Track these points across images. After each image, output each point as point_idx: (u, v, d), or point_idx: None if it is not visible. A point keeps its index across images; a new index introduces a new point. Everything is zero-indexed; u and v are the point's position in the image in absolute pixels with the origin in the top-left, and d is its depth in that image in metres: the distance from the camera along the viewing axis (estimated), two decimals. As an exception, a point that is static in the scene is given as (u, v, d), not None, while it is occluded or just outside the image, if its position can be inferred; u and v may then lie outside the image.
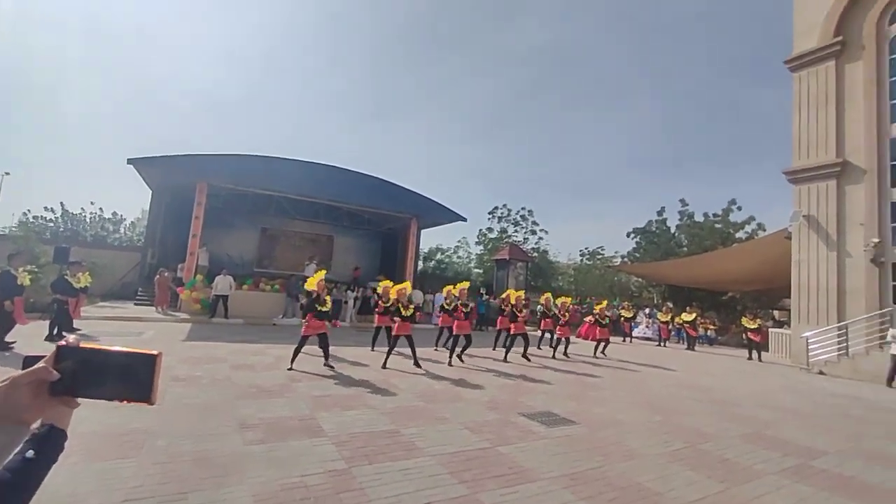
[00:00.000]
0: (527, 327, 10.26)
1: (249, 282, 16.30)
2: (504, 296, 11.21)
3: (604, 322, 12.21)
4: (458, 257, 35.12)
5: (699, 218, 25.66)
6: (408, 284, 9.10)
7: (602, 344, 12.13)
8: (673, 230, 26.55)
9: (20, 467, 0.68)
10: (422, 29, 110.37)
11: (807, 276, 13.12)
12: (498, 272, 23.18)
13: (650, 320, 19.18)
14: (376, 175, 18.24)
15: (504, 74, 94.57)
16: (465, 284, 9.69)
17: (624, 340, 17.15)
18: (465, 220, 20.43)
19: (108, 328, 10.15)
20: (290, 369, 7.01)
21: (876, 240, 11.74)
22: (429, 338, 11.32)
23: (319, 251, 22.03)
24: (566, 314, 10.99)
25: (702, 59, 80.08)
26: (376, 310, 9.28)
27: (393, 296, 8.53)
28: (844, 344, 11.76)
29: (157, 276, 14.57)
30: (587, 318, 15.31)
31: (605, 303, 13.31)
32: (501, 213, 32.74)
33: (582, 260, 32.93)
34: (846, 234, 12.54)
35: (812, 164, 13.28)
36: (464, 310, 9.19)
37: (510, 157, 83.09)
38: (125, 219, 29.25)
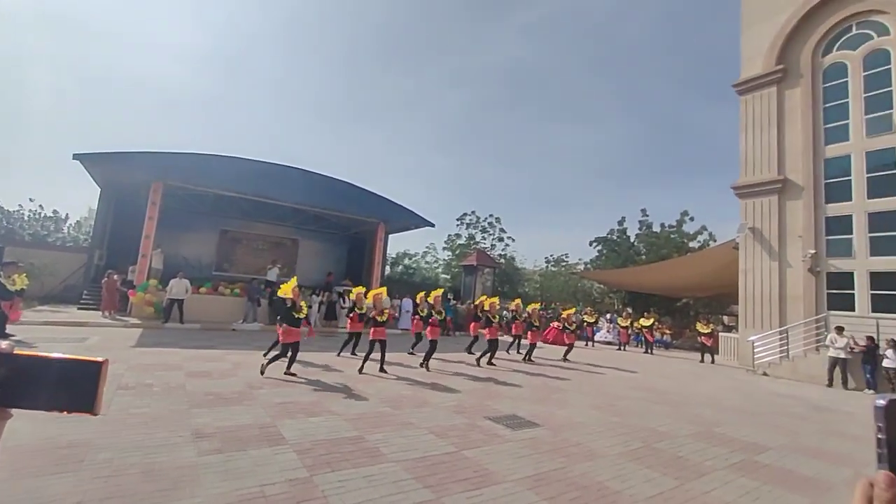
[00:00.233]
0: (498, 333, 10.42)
1: (208, 285, 15.56)
2: (478, 302, 11.31)
3: (571, 328, 12.53)
4: (426, 263, 35.14)
5: (657, 228, 27.01)
6: (384, 290, 9.06)
7: (568, 349, 12.43)
8: (633, 239, 27.78)
9: None
10: (396, 39, 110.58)
11: (752, 284, 14.04)
12: (466, 278, 23.35)
13: (611, 325, 19.89)
14: (345, 179, 18.03)
15: (476, 87, 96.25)
16: (439, 292, 9.75)
17: (587, 344, 17.65)
18: (433, 225, 20.49)
19: (47, 334, 9.37)
20: (292, 374, 7.09)
21: (812, 251, 12.76)
22: (395, 342, 11.21)
23: (283, 255, 21.40)
24: (538, 320, 11.22)
25: (663, 79, 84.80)
26: (351, 316, 9.27)
27: (369, 301, 8.52)
28: (785, 347, 12.66)
29: (105, 279, 13.63)
30: (554, 324, 15.67)
31: (573, 309, 13.68)
32: (470, 220, 33.15)
33: (547, 266, 33.79)
34: (787, 245, 13.54)
35: (757, 181, 14.29)
36: (438, 317, 9.32)
37: (480, 165, 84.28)
38: (68, 217, 27.33)
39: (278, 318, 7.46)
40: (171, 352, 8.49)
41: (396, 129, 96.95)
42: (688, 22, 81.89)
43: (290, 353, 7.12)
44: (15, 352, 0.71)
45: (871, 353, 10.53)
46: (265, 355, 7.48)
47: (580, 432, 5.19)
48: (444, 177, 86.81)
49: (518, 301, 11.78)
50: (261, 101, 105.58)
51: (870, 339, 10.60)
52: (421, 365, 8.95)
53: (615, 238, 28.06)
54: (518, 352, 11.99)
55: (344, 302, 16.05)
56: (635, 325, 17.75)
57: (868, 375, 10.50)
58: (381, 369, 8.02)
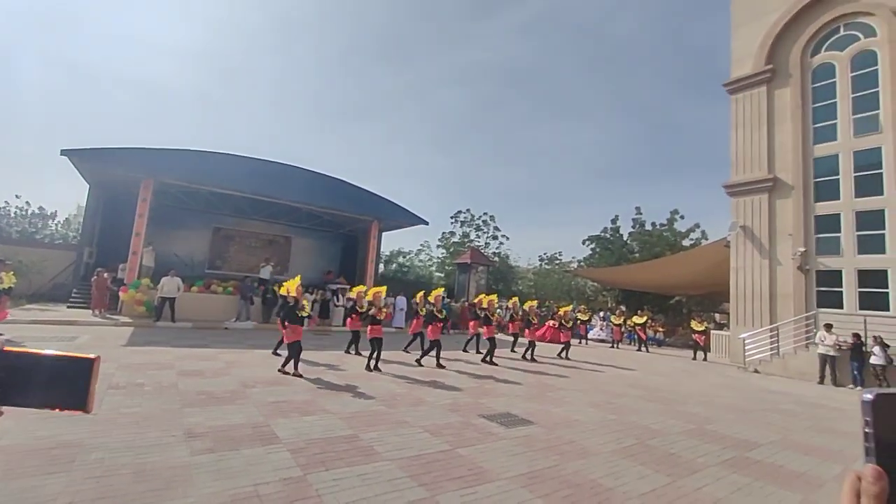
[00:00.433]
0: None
1: (200, 283, 15.42)
2: (477, 300, 11.30)
3: (567, 325, 12.58)
4: (420, 261, 35.10)
5: (650, 227, 27.21)
6: (383, 289, 9.10)
7: (565, 347, 12.47)
8: (626, 237, 27.95)
9: None
10: (392, 37, 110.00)
11: (743, 282, 14.20)
12: (460, 276, 23.37)
13: (604, 323, 20.01)
14: (338, 177, 17.94)
15: (470, 86, 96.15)
16: (440, 291, 9.78)
17: (580, 342, 17.76)
18: (426, 223, 20.46)
19: (35, 333, 9.23)
20: (298, 375, 6.96)
21: (802, 249, 12.92)
22: (389, 341, 11.18)
23: (277, 253, 21.26)
24: (535, 318, 11.25)
25: (655, 78, 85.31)
26: (353, 314, 9.35)
27: (369, 298, 8.60)
28: (776, 344, 12.83)
29: (95, 277, 13.45)
30: (549, 322, 15.74)
31: (569, 307, 13.73)
32: (464, 218, 33.14)
33: (541, 264, 33.91)
34: (777, 244, 13.70)
35: (747, 179, 14.43)
36: (438, 316, 9.38)
37: (476, 164, 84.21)
38: (56, 214, 26.90)
39: (280, 315, 7.46)
40: (162, 350, 8.41)
41: (393, 128, 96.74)
42: (681, 21, 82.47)
43: (283, 351, 7.11)
44: (5, 349, 0.70)
45: (857, 349, 10.70)
46: (275, 352, 7.94)
47: (574, 430, 5.22)
48: (440, 175, 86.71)
49: (515, 299, 11.79)
50: (259, 100, 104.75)
51: (856, 336, 10.77)
52: (417, 361, 9.13)
53: (608, 236, 28.21)
54: (513, 350, 12.02)
55: (338, 300, 15.99)
56: (628, 322, 17.88)
57: (855, 372, 10.67)
58: (376, 367, 8.04)
